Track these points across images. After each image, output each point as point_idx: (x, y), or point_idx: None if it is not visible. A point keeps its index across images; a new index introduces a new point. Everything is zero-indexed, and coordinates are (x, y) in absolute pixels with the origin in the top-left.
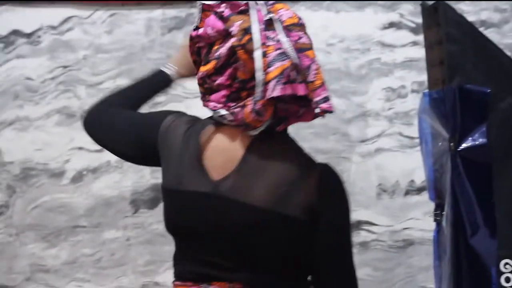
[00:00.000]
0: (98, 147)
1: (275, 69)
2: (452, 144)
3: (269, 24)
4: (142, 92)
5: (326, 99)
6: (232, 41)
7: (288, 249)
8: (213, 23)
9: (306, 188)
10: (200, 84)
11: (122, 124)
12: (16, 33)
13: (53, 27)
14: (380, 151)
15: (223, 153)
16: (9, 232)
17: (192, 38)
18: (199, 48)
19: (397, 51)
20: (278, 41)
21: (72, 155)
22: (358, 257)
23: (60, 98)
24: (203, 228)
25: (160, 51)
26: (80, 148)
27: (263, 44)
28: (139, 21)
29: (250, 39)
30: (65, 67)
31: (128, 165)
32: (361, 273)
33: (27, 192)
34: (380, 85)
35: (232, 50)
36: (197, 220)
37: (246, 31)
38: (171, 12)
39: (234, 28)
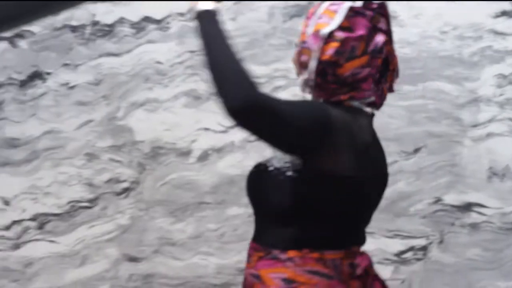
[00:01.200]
0: (223, 128)
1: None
2: None
3: None
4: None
5: None
6: (384, 37)
7: None
8: (365, 23)
9: None
10: (344, 79)
11: (292, 115)
12: (147, 19)
13: (182, 14)
14: (491, 135)
15: (371, 136)
16: (140, 207)
17: (346, 39)
18: (351, 47)
19: (509, 39)
20: None
21: (198, 135)
22: (468, 238)
23: (187, 81)
24: (368, 204)
25: (281, 37)
26: (206, 129)
27: None
28: (262, 8)
29: (391, 33)
30: (192, 51)
31: (251, 145)
32: (471, 253)
33: (157, 169)
34: (492, 72)
35: (384, 44)
36: (366, 199)
37: (389, 26)
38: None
39: (383, 25)
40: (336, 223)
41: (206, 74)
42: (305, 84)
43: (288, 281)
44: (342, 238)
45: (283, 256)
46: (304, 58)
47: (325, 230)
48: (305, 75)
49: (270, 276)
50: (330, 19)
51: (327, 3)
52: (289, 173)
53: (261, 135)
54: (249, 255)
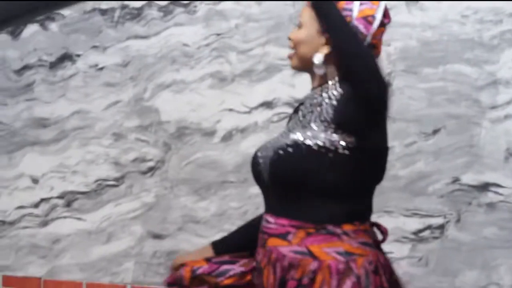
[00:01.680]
0: (247, 108)
1: None
2: None
3: None
4: None
5: None
6: None
7: None
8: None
9: None
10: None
11: None
12: (175, 3)
13: None
14: (509, 117)
15: None
16: (165, 185)
17: (387, 25)
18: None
19: None
20: None
21: (223, 116)
22: (485, 216)
23: (213, 63)
24: None
25: None
26: (230, 110)
27: None
28: None
29: None
30: (218, 34)
31: (273, 125)
32: (488, 232)
33: (182, 149)
34: (511, 55)
35: None
36: None
37: None
38: None
39: None
40: (372, 194)
41: (230, 56)
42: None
43: (347, 253)
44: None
45: (338, 230)
46: None
47: (367, 202)
48: None
49: (324, 250)
50: (374, 5)
51: None
52: (341, 151)
53: (378, 116)
54: (286, 233)
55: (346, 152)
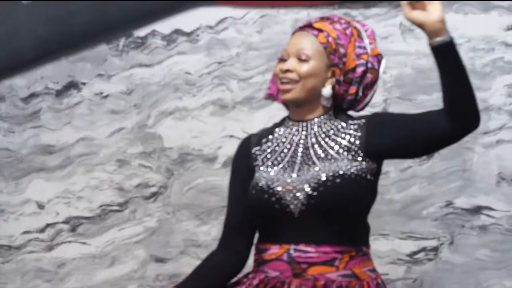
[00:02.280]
0: (247, 135)
1: None
2: None
3: None
4: None
5: None
6: None
7: None
8: None
9: None
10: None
11: None
12: (177, 32)
13: (210, 27)
14: (501, 142)
15: None
16: (167, 210)
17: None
18: None
19: None
20: None
21: (224, 142)
22: (477, 239)
23: (214, 91)
24: None
25: None
26: (231, 136)
27: None
28: (287, 22)
29: None
30: (219, 63)
31: None
32: (480, 254)
33: (184, 175)
34: (502, 82)
35: None
36: None
37: None
38: (315, 13)
39: None
40: None
41: (231, 84)
42: (344, 97)
43: (373, 271)
44: None
45: (367, 250)
46: (370, 76)
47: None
48: (360, 92)
49: (362, 270)
50: (374, 44)
51: (359, 27)
52: (369, 177)
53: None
54: (332, 259)
55: (372, 178)
